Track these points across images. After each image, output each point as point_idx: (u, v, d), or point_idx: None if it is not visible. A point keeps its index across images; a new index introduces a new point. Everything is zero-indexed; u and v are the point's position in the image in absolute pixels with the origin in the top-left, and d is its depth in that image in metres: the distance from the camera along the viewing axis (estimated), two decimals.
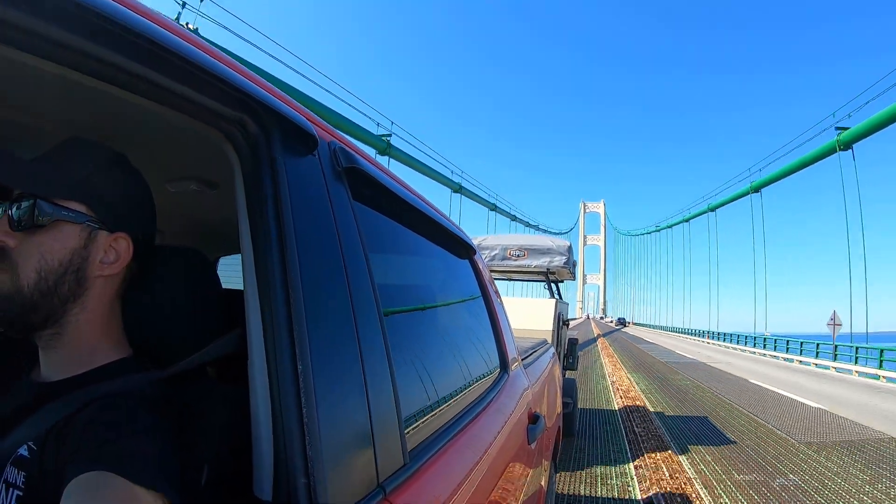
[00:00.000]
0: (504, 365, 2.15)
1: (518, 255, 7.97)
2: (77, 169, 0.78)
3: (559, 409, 3.68)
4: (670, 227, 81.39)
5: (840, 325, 22.36)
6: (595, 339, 39.56)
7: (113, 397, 0.71)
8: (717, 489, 5.41)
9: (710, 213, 55.75)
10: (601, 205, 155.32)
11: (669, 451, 6.79)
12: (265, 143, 0.81)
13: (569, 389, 6.70)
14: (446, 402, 1.37)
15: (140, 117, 0.85)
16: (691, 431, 8.20)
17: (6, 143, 0.98)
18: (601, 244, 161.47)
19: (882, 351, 18.87)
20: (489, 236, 8.32)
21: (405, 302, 1.42)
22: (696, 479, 5.74)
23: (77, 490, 0.59)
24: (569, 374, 8.01)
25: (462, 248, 2.04)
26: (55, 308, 0.74)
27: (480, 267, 2.25)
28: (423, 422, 1.16)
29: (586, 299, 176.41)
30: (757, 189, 42.30)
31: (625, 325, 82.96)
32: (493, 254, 8.00)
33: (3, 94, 0.81)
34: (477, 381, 1.73)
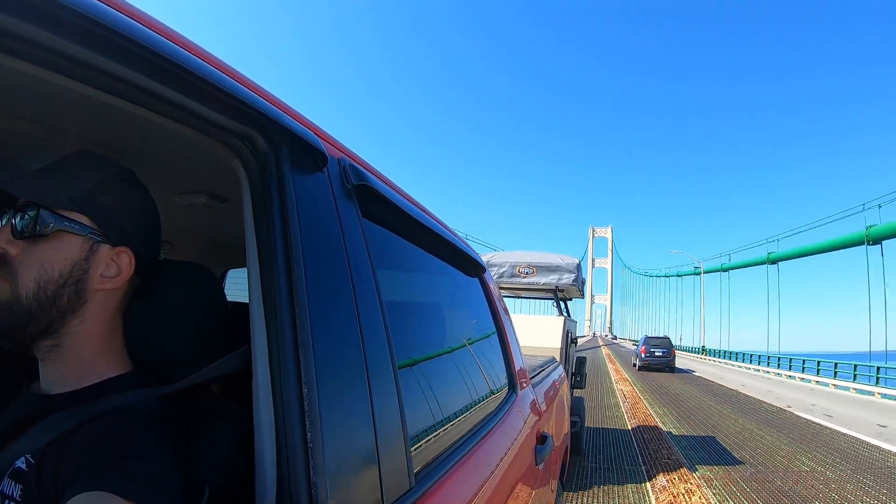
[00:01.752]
0: (512, 384, 2.12)
1: (527, 273, 7.92)
2: (82, 181, 0.77)
3: (567, 427, 3.63)
4: (679, 276, 77.96)
5: None
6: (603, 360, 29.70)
7: (113, 414, 0.70)
8: None
9: (722, 272, 53.11)
10: (609, 230, 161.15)
11: None
12: (274, 159, 0.80)
13: (576, 408, 6.64)
14: (453, 422, 1.34)
15: (149, 130, 0.84)
16: None
17: (15, 153, 0.97)
18: (608, 267, 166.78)
19: None
20: (498, 253, 8.29)
21: (414, 320, 1.40)
22: None
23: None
24: (576, 392, 7.93)
25: (472, 266, 2.02)
26: (53, 319, 0.73)
27: (490, 285, 2.23)
28: (429, 442, 1.13)
29: (594, 318, 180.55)
30: (773, 262, 41.46)
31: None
32: (501, 271, 7.96)
33: (15, 105, 0.80)
34: (485, 401, 1.69)
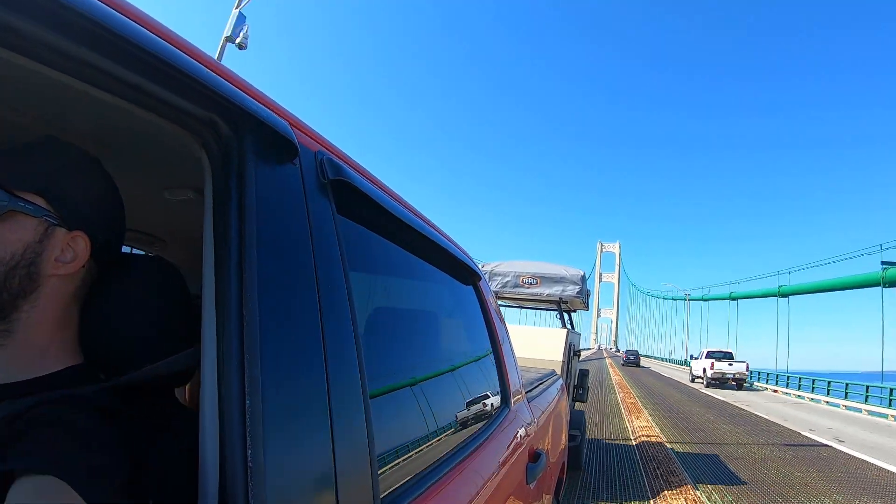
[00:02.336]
0: (505, 398, 2.02)
1: (531, 283, 7.84)
2: (42, 163, 0.75)
3: (564, 443, 3.53)
4: (677, 299, 78.60)
5: None
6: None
7: (63, 403, 0.67)
8: None
9: (731, 300, 51.91)
10: (616, 246, 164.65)
11: None
12: (237, 148, 0.73)
13: (577, 422, 6.51)
14: (434, 440, 1.25)
15: (123, 121, 0.81)
16: None
17: None
18: (615, 282, 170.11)
19: None
20: (503, 262, 8.20)
21: (395, 328, 1.32)
22: None
23: (21, 491, 0.56)
24: (578, 405, 7.81)
25: (466, 273, 1.94)
26: (4, 303, 0.70)
27: (485, 294, 2.14)
28: (402, 464, 1.04)
29: (599, 331, 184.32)
30: (784, 295, 40.45)
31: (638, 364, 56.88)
32: (505, 280, 7.88)
33: None
34: (473, 416, 1.60)
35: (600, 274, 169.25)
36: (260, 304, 0.68)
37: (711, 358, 25.48)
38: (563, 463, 3.33)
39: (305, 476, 0.70)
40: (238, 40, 11.45)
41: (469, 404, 1.62)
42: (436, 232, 1.55)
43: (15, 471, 0.57)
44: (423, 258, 1.51)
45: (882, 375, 23.13)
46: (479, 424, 1.62)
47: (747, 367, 23.93)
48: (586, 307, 8.64)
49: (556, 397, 3.43)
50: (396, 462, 1.01)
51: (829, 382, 22.70)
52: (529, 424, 2.17)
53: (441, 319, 1.74)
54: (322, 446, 0.74)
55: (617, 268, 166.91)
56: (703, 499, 6.14)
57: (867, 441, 11.75)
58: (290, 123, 0.87)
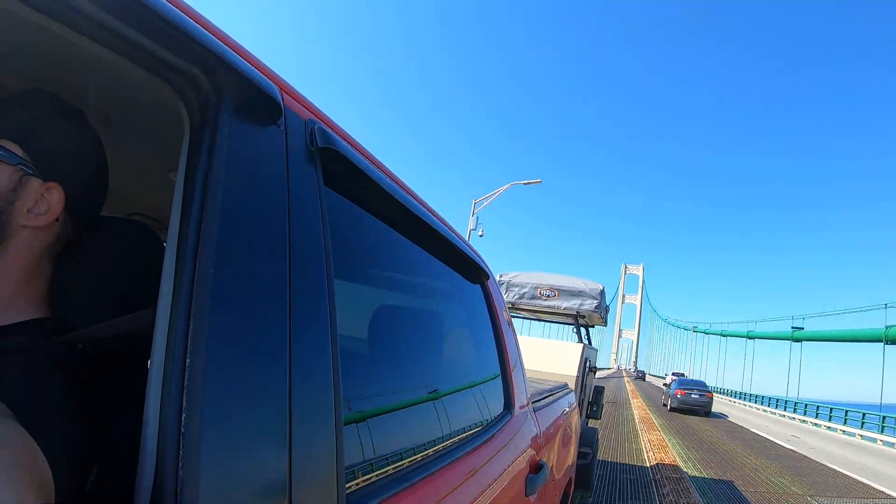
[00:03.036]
0: (509, 404, 1.93)
1: (549, 296, 7.72)
2: (23, 112, 0.73)
3: (572, 459, 3.41)
4: (707, 333, 79.24)
5: None
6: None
7: (18, 351, 0.66)
8: None
9: (748, 339, 54.81)
10: (640, 268, 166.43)
11: None
12: (215, 104, 0.68)
13: (589, 439, 6.34)
14: (423, 439, 1.17)
15: (109, 79, 0.79)
16: None
17: None
18: (637, 304, 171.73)
19: None
20: (522, 273, 8.09)
21: (383, 319, 1.24)
22: None
23: None
24: (591, 422, 7.65)
25: (473, 271, 1.86)
26: None
27: (493, 295, 2.05)
28: (379, 462, 0.96)
29: (620, 352, 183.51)
30: (797, 340, 42.51)
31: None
32: (522, 291, 7.77)
33: None
34: (470, 419, 1.52)
35: (623, 295, 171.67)
36: (216, 268, 0.62)
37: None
38: (571, 478, 3.21)
39: (250, 452, 0.63)
40: (480, 233, 21.58)
41: (467, 408, 1.55)
42: (442, 224, 1.47)
43: None
44: (425, 249, 1.43)
45: (881, 406, 25.20)
46: (476, 428, 1.53)
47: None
48: (604, 322, 8.48)
49: (566, 410, 3.32)
50: (372, 460, 0.93)
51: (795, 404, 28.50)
52: (533, 434, 2.07)
53: (440, 317, 1.66)
54: (275, 421, 0.66)
55: (640, 290, 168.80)
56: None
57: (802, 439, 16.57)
58: (280, 87, 0.82)
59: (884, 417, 20.72)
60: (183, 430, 0.55)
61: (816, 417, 25.41)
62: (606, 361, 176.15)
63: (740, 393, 41.26)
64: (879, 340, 29.16)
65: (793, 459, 12.54)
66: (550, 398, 3.08)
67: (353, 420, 0.87)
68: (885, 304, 30.25)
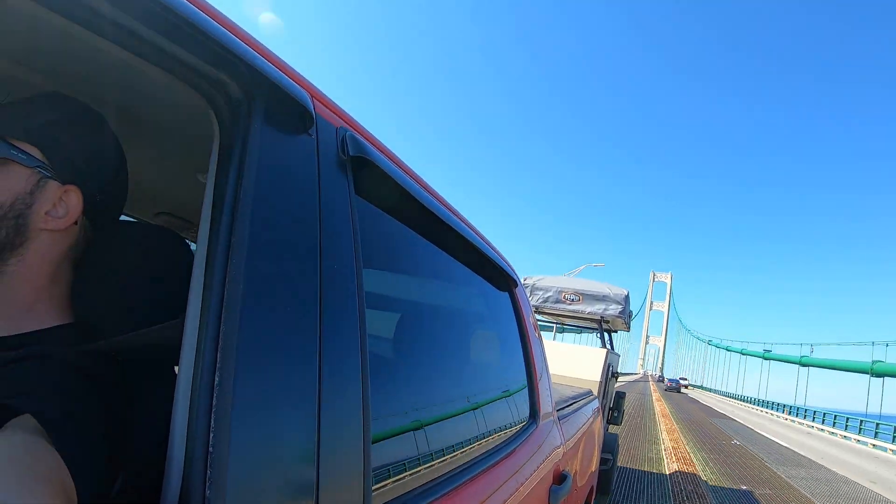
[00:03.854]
0: (534, 414, 1.90)
1: (573, 300, 7.64)
2: (41, 114, 0.72)
3: (595, 465, 3.36)
4: (728, 350, 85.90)
5: None
6: None
7: (41, 360, 0.63)
8: None
9: (763, 360, 60.05)
10: (668, 276, 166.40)
11: None
12: (246, 112, 0.67)
13: (609, 445, 6.26)
14: (449, 450, 1.14)
15: (139, 84, 0.78)
16: None
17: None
18: (665, 311, 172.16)
19: None
20: (546, 277, 8.01)
21: (412, 327, 1.22)
22: None
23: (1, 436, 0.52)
24: (611, 428, 7.55)
25: (501, 279, 1.83)
26: None
27: (521, 303, 2.02)
28: (406, 472, 0.93)
29: (647, 357, 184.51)
30: (804, 365, 47.99)
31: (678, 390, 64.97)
32: (546, 295, 7.70)
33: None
34: (496, 430, 1.48)
35: (651, 302, 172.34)
36: (246, 276, 0.61)
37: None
38: (592, 486, 3.16)
39: (277, 468, 0.61)
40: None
41: (492, 417, 1.51)
42: (472, 231, 1.45)
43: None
44: (454, 256, 1.41)
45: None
46: (502, 439, 1.50)
47: (688, 384, 43.19)
48: (627, 328, 8.37)
49: (590, 418, 3.27)
50: (398, 471, 0.91)
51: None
52: (558, 444, 2.03)
53: (468, 324, 1.63)
54: (303, 437, 0.65)
55: (667, 297, 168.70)
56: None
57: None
58: (312, 95, 0.81)
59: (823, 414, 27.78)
60: (211, 448, 0.54)
61: (793, 414, 32.01)
62: (633, 366, 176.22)
63: (749, 398, 49.15)
64: (867, 373, 34.87)
65: (737, 428, 21.28)
66: (575, 405, 3.04)
67: (380, 431, 0.85)
68: (873, 342, 37.24)
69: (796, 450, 15.76)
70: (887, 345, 36.46)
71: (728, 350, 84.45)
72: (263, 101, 0.69)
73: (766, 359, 60.09)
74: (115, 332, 0.70)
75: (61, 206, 0.71)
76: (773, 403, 37.74)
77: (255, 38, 0.73)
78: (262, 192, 0.66)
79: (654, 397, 34.69)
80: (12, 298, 0.69)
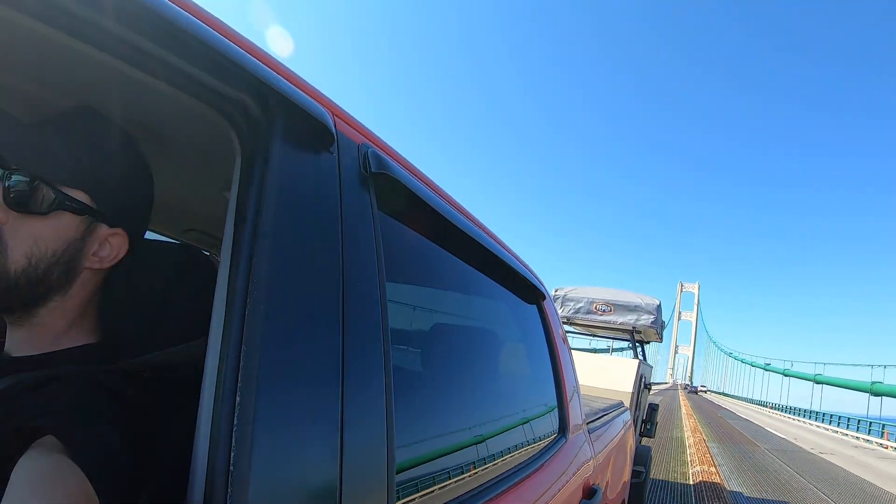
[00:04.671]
0: (563, 427, 1.86)
1: (604, 311, 7.53)
2: (87, 152, 0.70)
3: (626, 479, 3.28)
4: (753, 365, 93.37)
5: None
6: None
7: (68, 379, 0.64)
8: None
9: (814, 383, 56.25)
10: (696, 286, 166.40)
11: None
12: (266, 131, 0.67)
13: (642, 457, 6.10)
14: (476, 467, 1.12)
15: (164, 108, 0.78)
16: None
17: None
18: (693, 320, 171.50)
19: None
20: (578, 287, 7.91)
21: (438, 341, 1.21)
22: None
23: (24, 461, 0.52)
24: (644, 441, 7.38)
25: (529, 292, 1.80)
26: (39, 296, 0.68)
27: (549, 315, 1.99)
28: (431, 491, 0.92)
29: (676, 367, 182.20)
30: (819, 383, 52.18)
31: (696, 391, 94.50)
32: (578, 306, 7.60)
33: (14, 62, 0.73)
34: (524, 444, 1.46)
35: (679, 312, 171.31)
36: (268, 294, 0.61)
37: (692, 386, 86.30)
38: (624, 500, 3.09)
39: (299, 490, 0.60)
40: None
41: (520, 431, 1.48)
42: (498, 245, 1.43)
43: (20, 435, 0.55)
44: (480, 270, 1.40)
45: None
46: (531, 453, 1.47)
47: (706, 389, 54.58)
48: (660, 339, 8.20)
49: (622, 431, 3.20)
50: (426, 486, 0.90)
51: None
52: (588, 458, 1.99)
53: (495, 338, 1.61)
54: (326, 458, 0.64)
55: (695, 307, 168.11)
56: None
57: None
58: (332, 113, 0.81)
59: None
60: (232, 466, 0.53)
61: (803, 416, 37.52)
62: (663, 376, 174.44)
63: (747, 398, 64.97)
64: (867, 392, 40.63)
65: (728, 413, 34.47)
66: (606, 417, 2.97)
67: (405, 447, 0.84)
68: (872, 365, 42.91)
69: (755, 422, 28.89)
70: (885, 367, 42.22)
71: (753, 365, 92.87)
72: (283, 120, 0.69)
73: (786, 375, 67.02)
74: (140, 350, 0.71)
75: (106, 246, 0.72)
76: (761, 401, 52.68)
77: (274, 58, 0.73)
78: (282, 209, 0.66)
79: (681, 398, 48.79)
80: (51, 326, 0.71)
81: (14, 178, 0.65)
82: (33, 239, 0.66)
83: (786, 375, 65.80)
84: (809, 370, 57.71)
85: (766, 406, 51.08)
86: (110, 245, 0.72)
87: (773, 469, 11.24)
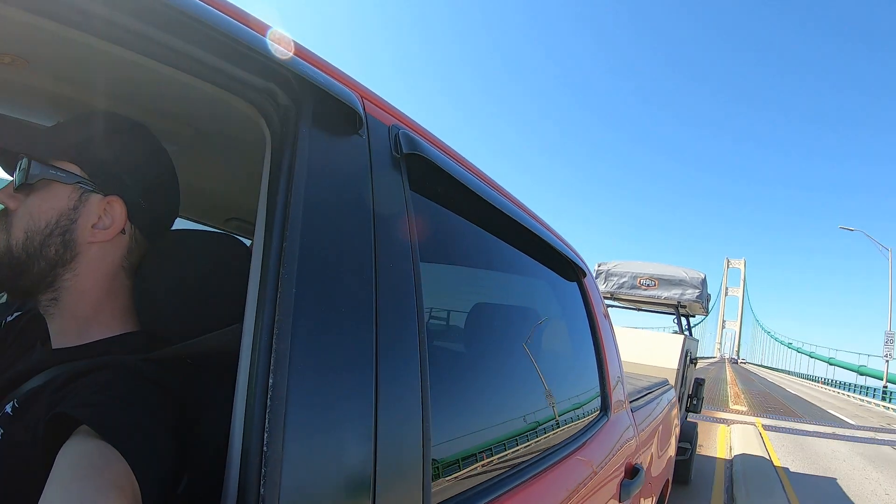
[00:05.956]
0: (605, 406, 1.83)
1: (648, 285, 7.37)
2: (78, 132, 0.74)
3: (671, 457, 3.23)
4: (799, 351, 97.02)
5: None
6: None
7: (108, 368, 0.66)
8: None
9: (828, 364, 64.30)
10: (742, 262, 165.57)
11: None
12: (294, 116, 0.67)
13: (688, 434, 5.99)
14: (515, 446, 1.11)
15: (199, 102, 0.80)
16: None
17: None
18: (739, 296, 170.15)
19: None
20: (621, 262, 7.75)
21: (477, 320, 1.19)
22: None
23: (67, 448, 0.54)
24: (690, 416, 7.27)
25: (569, 269, 1.76)
26: (44, 272, 0.69)
27: (590, 292, 1.94)
28: (467, 471, 0.91)
29: (724, 342, 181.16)
30: (862, 374, 49.05)
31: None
32: (622, 281, 7.46)
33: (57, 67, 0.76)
34: (565, 423, 1.44)
35: (726, 288, 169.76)
36: (299, 278, 0.61)
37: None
38: (668, 479, 3.04)
39: (332, 470, 0.61)
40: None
41: (562, 410, 1.46)
42: (536, 222, 1.40)
43: (51, 432, 0.57)
44: (518, 248, 1.37)
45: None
46: (572, 432, 1.45)
47: (745, 361, 56.95)
48: (706, 312, 7.98)
49: (666, 409, 3.13)
50: (457, 470, 0.89)
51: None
52: (630, 437, 1.95)
53: (535, 316, 1.58)
54: (360, 438, 0.64)
55: (742, 283, 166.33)
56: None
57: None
58: (360, 95, 0.79)
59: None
60: (266, 448, 0.54)
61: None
62: (711, 351, 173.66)
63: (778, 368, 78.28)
64: (856, 372, 45.97)
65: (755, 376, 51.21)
66: (649, 396, 2.92)
67: (442, 427, 0.83)
68: (859, 354, 47.92)
69: (769, 379, 46.15)
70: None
71: (798, 351, 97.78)
72: (311, 106, 0.68)
73: (830, 364, 67.04)
74: (179, 338, 0.71)
75: (106, 217, 0.72)
76: (788, 370, 66.71)
77: (300, 44, 0.71)
78: (313, 195, 0.65)
79: (727, 368, 61.69)
80: (73, 312, 0.72)
81: (20, 164, 0.69)
82: (29, 214, 0.69)
83: (830, 364, 66.14)
84: (853, 360, 59.01)
85: (788, 373, 67.23)
86: (109, 215, 0.72)
87: (756, 384, 33.11)
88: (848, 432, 12.07)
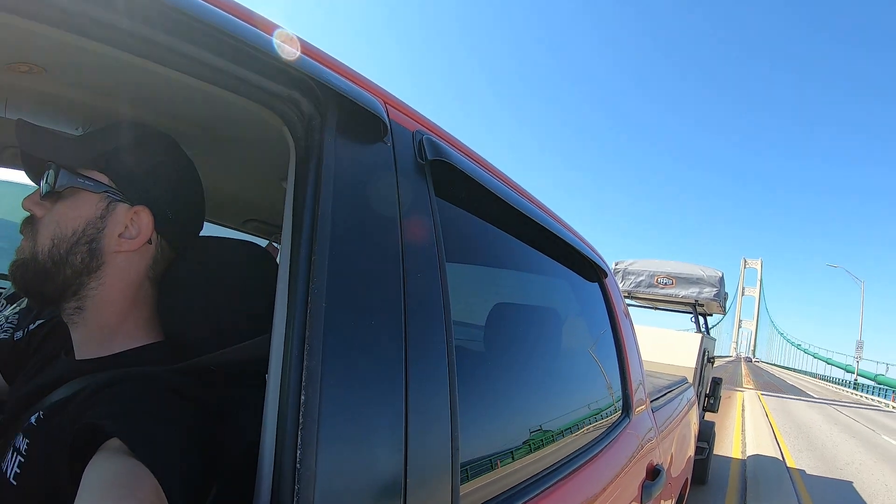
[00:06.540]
0: (627, 407, 1.81)
1: (666, 283, 7.28)
2: (107, 142, 0.74)
3: (690, 457, 3.20)
4: (815, 356, 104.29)
5: None
6: None
7: (134, 380, 0.66)
8: None
9: (845, 371, 67.40)
10: (759, 262, 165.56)
11: None
12: (319, 125, 0.66)
13: (705, 433, 5.92)
14: (539, 450, 1.10)
15: (217, 109, 0.80)
16: None
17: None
18: (756, 296, 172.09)
19: None
20: (638, 260, 7.67)
21: (501, 324, 1.18)
22: None
23: (95, 463, 0.54)
24: (707, 416, 7.19)
25: (590, 270, 1.75)
26: (69, 280, 0.69)
27: (612, 292, 1.92)
28: (493, 477, 0.91)
29: (740, 341, 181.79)
30: (879, 383, 51.54)
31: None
32: (639, 279, 7.39)
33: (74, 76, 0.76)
34: (588, 425, 1.43)
35: (743, 288, 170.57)
36: (328, 288, 0.60)
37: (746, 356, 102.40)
38: (687, 478, 3.01)
39: (364, 483, 0.60)
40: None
41: (584, 413, 1.45)
42: (558, 224, 1.39)
43: (76, 445, 0.57)
44: (540, 250, 1.36)
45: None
46: (594, 435, 1.44)
47: (759, 360, 78.18)
48: (723, 311, 7.87)
49: (685, 409, 3.10)
50: (484, 476, 0.88)
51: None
52: (651, 437, 1.93)
53: (557, 317, 1.57)
54: (391, 451, 0.63)
55: (758, 283, 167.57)
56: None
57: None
58: (384, 101, 0.79)
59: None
60: (298, 464, 0.53)
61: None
62: (727, 350, 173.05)
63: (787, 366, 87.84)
64: (850, 373, 49.07)
65: (764, 373, 61.30)
66: (669, 395, 2.89)
67: (468, 433, 0.82)
68: (855, 357, 49.75)
69: (777, 374, 59.31)
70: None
71: (815, 357, 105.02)
72: (336, 113, 0.68)
73: (847, 371, 69.51)
74: (205, 348, 0.71)
75: (133, 226, 0.72)
76: (797, 368, 72.43)
77: (324, 52, 0.71)
78: (339, 204, 0.65)
79: (742, 366, 64.70)
80: (99, 321, 0.72)
81: (48, 173, 0.69)
82: (55, 222, 0.69)
83: (847, 371, 67.28)
84: (871, 368, 62.07)
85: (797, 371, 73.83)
86: (136, 225, 0.72)
87: (763, 377, 44.57)
88: (810, 400, 23.37)
